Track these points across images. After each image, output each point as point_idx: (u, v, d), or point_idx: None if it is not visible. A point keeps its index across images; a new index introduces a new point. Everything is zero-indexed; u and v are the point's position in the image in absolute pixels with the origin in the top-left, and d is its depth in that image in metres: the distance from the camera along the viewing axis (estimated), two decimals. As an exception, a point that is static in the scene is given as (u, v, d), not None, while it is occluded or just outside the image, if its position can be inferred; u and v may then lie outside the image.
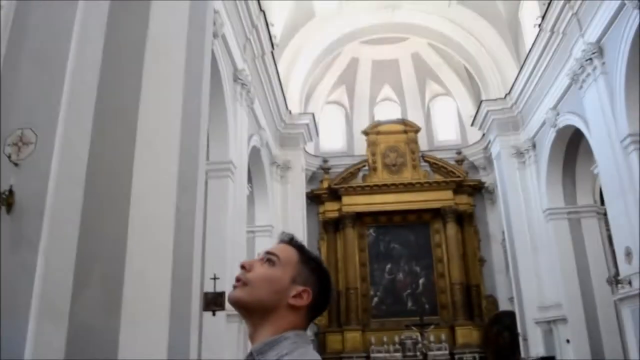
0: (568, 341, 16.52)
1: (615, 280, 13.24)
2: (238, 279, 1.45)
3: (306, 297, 1.40)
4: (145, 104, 6.65)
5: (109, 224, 6.01)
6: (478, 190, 24.18)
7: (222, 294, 11.70)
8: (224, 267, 11.98)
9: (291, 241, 1.50)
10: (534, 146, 18.97)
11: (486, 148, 22.94)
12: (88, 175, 5.99)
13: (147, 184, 6.38)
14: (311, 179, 23.83)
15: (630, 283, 12.33)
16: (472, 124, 22.65)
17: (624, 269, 12.82)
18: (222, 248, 12.20)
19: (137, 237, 6.09)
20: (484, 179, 24.11)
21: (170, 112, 6.98)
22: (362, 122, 25.64)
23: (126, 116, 6.46)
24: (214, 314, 11.41)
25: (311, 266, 1.46)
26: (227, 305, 11.73)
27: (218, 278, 11.58)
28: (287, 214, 20.02)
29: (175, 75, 7.30)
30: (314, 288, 1.42)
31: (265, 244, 17.90)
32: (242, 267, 1.48)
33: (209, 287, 11.25)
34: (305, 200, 21.30)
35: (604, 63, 13.42)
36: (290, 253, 1.48)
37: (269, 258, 1.46)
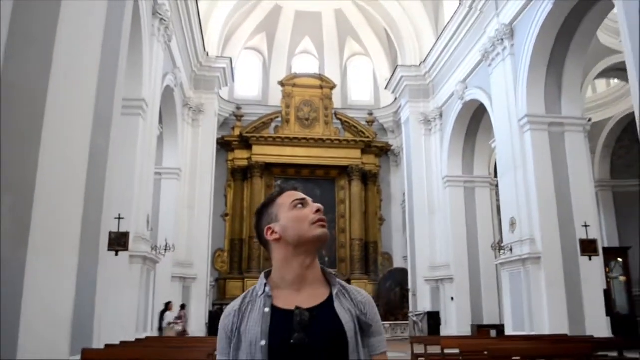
0: (452, 299, 17.99)
1: (498, 246, 14.48)
2: (324, 220, 1.65)
3: None
4: (63, 34, 6.33)
5: (19, 154, 5.76)
6: (385, 152, 25.11)
7: (126, 234, 11.52)
8: (129, 207, 11.75)
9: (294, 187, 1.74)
10: (440, 115, 19.90)
11: (397, 112, 23.74)
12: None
13: (61, 118, 6.15)
14: (223, 124, 23.56)
15: (511, 250, 13.59)
16: (386, 87, 23.26)
17: (508, 237, 14.08)
18: (129, 188, 11.90)
19: (49, 170, 5.90)
20: (391, 142, 25.05)
21: (90, 45, 6.69)
22: (279, 73, 25.52)
23: (42, 45, 6.11)
24: (116, 254, 11.25)
25: None
26: (131, 246, 11.62)
27: (123, 218, 11.37)
28: (196, 158, 19.73)
29: (97, 6, 6.97)
30: None
31: (172, 186, 17.65)
32: (319, 210, 1.66)
33: (112, 227, 11.01)
34: (216, 146, 21.08)
35: (513, 45, 14.26)
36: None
37: (303, 199, 1.69)
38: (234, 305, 1.65)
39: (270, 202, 1.72)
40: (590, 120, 14.56)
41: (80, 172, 6.19)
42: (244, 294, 1.70)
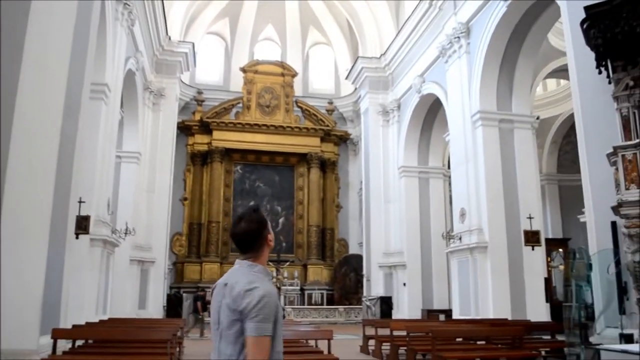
0: (405, 284, 18.73)
1: (449, 235, 15.21)
2: None
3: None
4: (34, 23, 6.47)
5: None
6: (344, 140, 25.63)
7: (87, 218, 11.62)
8: (91, 190, 11.83)
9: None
10: (398, 107, 20.49)
11: (356, 102, 24.23)
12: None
13: (33, 105, 6.32)
14: (183, 109, 23.53)
15: (460, 239, 14.32)
16: (346, 78, 23.69)
17: (458, 227, 14.81)
18: (91, 171, 11.97)
19: (20, 157, 6.09)
20: (350, 131, 25.57)
21: (61, 32, 6.83)
22: (241, 59, 25.59)
23: (14, 34, 6.25)
24: (77, 237, 11.34)
25: None
26: (92, 229, 11.73)
27: (84, 202, 11.44)
28: (156, 142, 19.74)
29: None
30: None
31: (132, 170, 17.67)
32: None
33: (75, 211, 11.09)
34: (176, 130, 21.09)
35: (469, 43, 14.89)
36: None
37: None
38: (272, 288, 2.09)
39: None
40: (538, 118, 15.38)
41: (50, 158, 6.38)
42: (268, 278, 2.14)
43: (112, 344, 7.19)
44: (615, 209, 7.40)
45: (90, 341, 7.43)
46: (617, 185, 7.37)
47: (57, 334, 6.16)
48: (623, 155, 7.25)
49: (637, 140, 7.29)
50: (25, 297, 5.94)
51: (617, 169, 7.38)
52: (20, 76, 6.24)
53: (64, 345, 6.60)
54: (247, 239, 2.16)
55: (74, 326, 6.96)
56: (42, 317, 6.12)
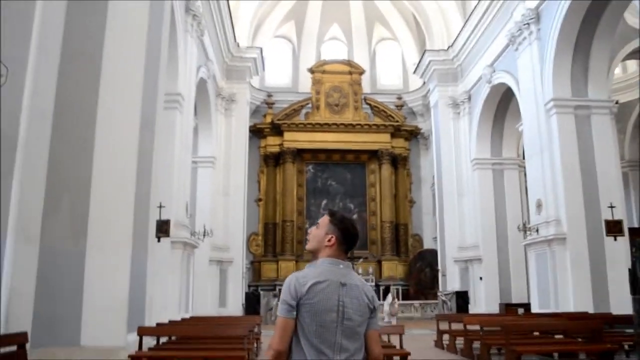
0: (481, 278, 18.38)
1: (525, 227, 14.79)
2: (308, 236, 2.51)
3: (333, 240, 2.34)
4: (110, 44, 6.96)
5: (75, 156, 6.45)
6: (414, 135, 25.40)
7: (167, 222, 12.29)
8: (170, 195, 12.49)
9: (328, 211, 2.48)
10: (469, 99, 20.09)
11: (425, 96, 23.95)
12: (56, 110, 6.34)
13: (111, 118, 6.81)
14: (255, 112, 24.18)
15: (537, 231, 13.89)
16: (414, 72, 23.47)
17: (534, 219, 14.38)
18: (169, 178, 12.64)
19: (102, 168, 6.58)
20: (420, 125, 25.30)
21: (134, 51, 7.31)
22: (308, 60, 25.93)
23: (91, 55, 6.75)
24: (159, 240, 12.02)
25: (334, 223, 2.39)
26: (172, 232, 12.39)
27: (164, 206, 12.10)
28: (230, 146, 20.46)
29: (139, 14, 7.56)
30: (337, 234, 2.36)
31: (208, 174, 18.44)
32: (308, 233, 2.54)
33: (155, 216, 11.77)
34: (248, 133, 21.74)
35: (539, 29, 14.40)
36: (324, 219, 2.43)
37: (316, 224, 2.48)
38: None
39: None
40: (617, 102, 14.62)
41: (130, 168, 6.86)
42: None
43: (193, 340, 7.63)
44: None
45: (173, 338, 7.91)
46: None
47: (143, 331, 6.61)
48: None
49: None
50: (113, 298, 6.43)
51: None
52: (100, 92, 6.72)
53: (148, 342, 7.07)
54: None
55: (157, 324, 7.44)
56: (128, 316, 6.60)
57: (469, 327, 9.21)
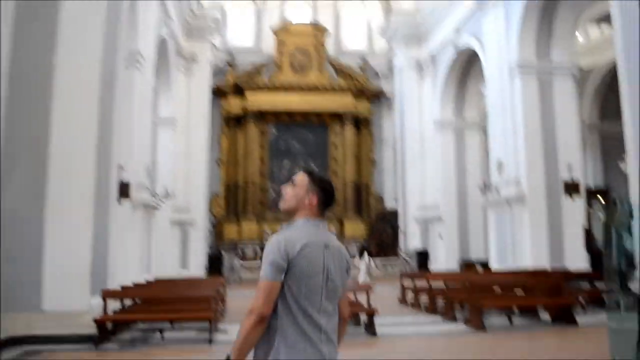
0: (441, 237, 18.77)
1: (485, 186, 15.07)
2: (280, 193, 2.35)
3: (315, 200, 2.23)
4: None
5: (32, 115, 6.13)
6: (378, 97, 25.35)
7: (128, 184, 11.95)
8: (130, 157, 12.12)
9: (304, 170, 2.34)
10: (433, 61, 20.07)
11: (390, 58, 23.79)
12: (12, 69, 5.99)
13: (70, 75, 6.48)
14: (217, 73, 23.57)
15: (497, 191, 14.18)
16: (380, 34, 23.24)
17: (495, 179, 14.66)
18: (129, 139, 12.23)
19: (61, 129, 6.29)
20: (384, 87, 25.22)
21: (93, 7, 6.92)
22: (272, 19, 25.31)
23: (49, 12, 6.36)
24: (119, 203, 11.71)
25: (315, 182, 2.26)
26: (133, 195, 12.09)
27: (124, 169, 11.74)
28: (191, 107, 19.94)
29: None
30: (318, 194, 2.24)
31: (168, 135, 18.01)
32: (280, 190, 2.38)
33: (115, 177, 11.43)
34: (210, 94, 21.24)
35: (505, -8, 14.35)
36: (303, 178, 2.29)
37: (292, 182, 2.31)
38: None
39: None
40: (579, 67, 14.83)
41: (90, 128, 6.59)
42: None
43: (158, 302, 7.52)
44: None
45: (137, 300, 7.79)
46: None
47: (107, 294, 6.48)
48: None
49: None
50: (75, 261, 6.26)
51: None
52: (58, 49, 6.38)
53: (112, 305, 6.94)
54: None
55: (122, 287, 7.30)
56: (91, 279, 6.44)
57: (432, 283, 9.39)
